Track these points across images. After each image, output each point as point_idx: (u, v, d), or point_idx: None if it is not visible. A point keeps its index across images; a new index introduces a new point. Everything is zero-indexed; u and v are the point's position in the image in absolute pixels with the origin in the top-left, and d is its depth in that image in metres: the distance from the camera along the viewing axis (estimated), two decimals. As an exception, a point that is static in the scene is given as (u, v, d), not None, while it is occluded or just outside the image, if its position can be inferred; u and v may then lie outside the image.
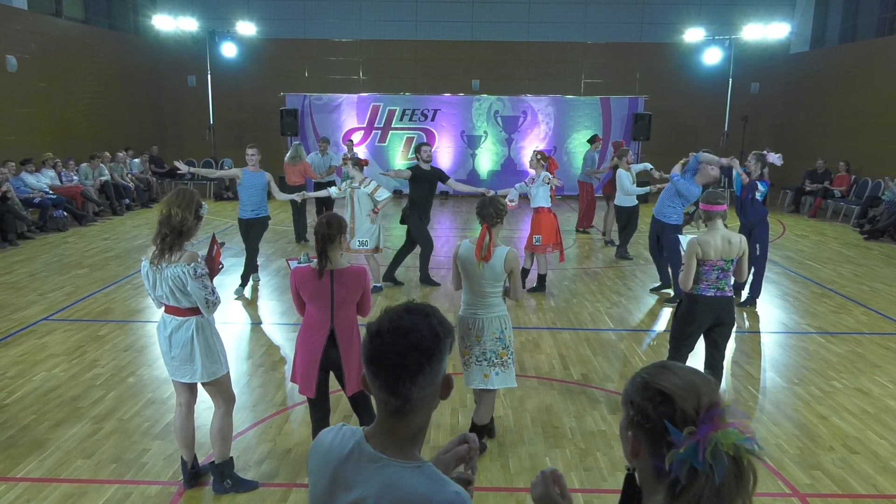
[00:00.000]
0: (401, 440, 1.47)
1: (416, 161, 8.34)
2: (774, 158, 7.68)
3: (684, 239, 4.88)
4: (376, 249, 8.04)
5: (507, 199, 7.96)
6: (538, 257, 8.22)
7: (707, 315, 4.67)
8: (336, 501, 1.50)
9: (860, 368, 6.02)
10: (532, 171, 8.23)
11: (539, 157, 8.12)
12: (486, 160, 17.35)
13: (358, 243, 7.91)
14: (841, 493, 4.06)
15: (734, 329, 6.59)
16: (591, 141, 12.88)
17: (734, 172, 7.80)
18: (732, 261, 4.63)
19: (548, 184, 8.00)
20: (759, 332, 7.13)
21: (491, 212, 4.23)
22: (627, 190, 9.68)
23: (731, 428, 1.23)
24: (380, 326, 1.45)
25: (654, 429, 1.29)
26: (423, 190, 8.27)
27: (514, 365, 4.43)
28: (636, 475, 1.38)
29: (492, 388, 4.30)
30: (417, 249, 8.57)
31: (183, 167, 8.02)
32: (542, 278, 8.29)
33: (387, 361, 1.41)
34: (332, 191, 8.41)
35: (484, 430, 4.46)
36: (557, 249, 8.17)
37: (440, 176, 8.32)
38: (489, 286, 4.23)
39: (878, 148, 13.99)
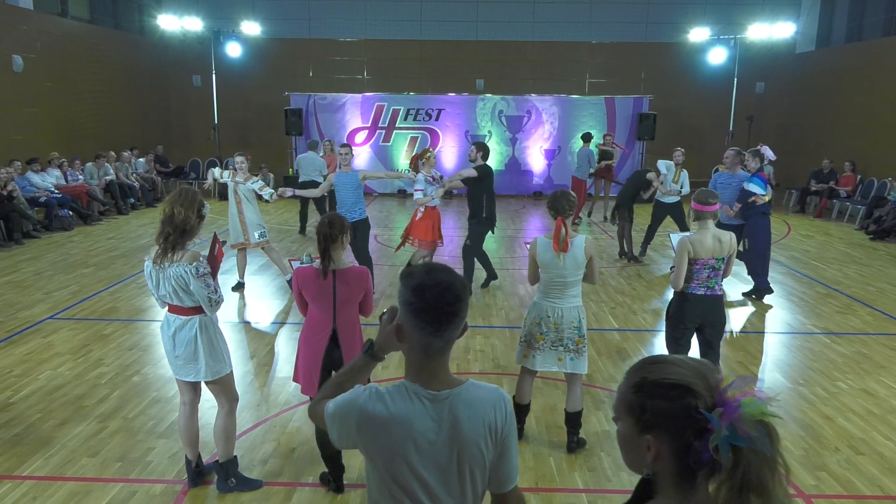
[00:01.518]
0: (444, 372, 1.77)
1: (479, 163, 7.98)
2: (769, 153, 7.76)
3: (676, 237, 4.89)
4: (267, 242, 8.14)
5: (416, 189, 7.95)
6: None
7: (697, 313, 4.66)
8: (419, 451, 1.72)
9: (866, 369, 5.99)
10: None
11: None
12: (491, 160, 17.26)
13: (258, 235, 8.00)
14: (846, 495, 4.05)
15: (738, 330, 6.56)
16: (586, 139, 13.02)
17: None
18: (723, 259, 4.63)
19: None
20: (763, 333, 7.10)
21: (564, 204, 4.36)
22: (669, 189, 9.64)
23: (748, 397, 1.23)
24: (423, 282, 1.70)
25: (677, 424, 1.26)
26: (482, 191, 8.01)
27: (587, 352, 4.54)
28: (654, 479, 1.34)
29: (565, 371, 4.43)
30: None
31: (289, 192, 8.10)
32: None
33: (440, 311, 1.69)
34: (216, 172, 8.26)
35: (578, 417, 4.53)
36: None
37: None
38: (571, 275, 4.35)
39: (883, 148, 13.93)
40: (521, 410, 4.62)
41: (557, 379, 5.66)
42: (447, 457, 1.74)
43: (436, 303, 1.68)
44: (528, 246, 4.52)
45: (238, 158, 8.02)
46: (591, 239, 4.42)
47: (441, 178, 8.25)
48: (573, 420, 4.51)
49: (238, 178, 7.90)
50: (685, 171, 9.68)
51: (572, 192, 4.55)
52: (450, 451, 1.74)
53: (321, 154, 12.37)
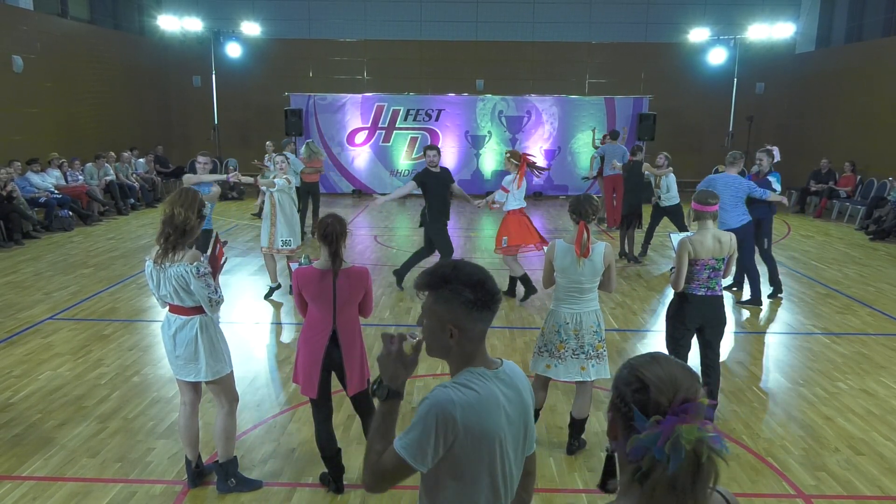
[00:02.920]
0: (486, 352, 1.93)
1: (424, 165, 7.99)
2: (777, 152, 7.81)
3: (676, 238, 4.87)
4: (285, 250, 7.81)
5: (491, 200, 7.96)
6: (507, 259, 7.88)
7: (697, 314, 4.66)
8: (509, 425, 1.86)
9: (865, 369, 5.99)
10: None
11: (509, 156, 7.86)
12: (491, 160, 17.34)
13: (281, 242, 7.70)
14: (846, 495, 4.05)
15: (739, 330, 6.56)
16: (615, 137, 12.75)
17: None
18: (723, 260, 4.63)
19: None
20: (763, 333, 7.11)
21: (588, 209, 4.30)
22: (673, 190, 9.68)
23: (699, 425, 1.24)
24: (480, 278, 1.84)
25: (628, 414, 1.32)
26: (439, 192, 7.93)
27: (607, 356, 4.49)
28: (615, 456, 1.42)
29: (589, 379, 4.36)
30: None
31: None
32: (512, 281, 7.99)
33: (496, 296, 1.88)
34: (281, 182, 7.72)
35: (583, 423, 4.50)
36: (529, 249, 7.97)
37: (449, 178, 8.03)
38: (589, 281, 4.30)
39: (883, 148, 13.93)
40: (577, 424, 4.54)
41: (557, 379, 5.65)
42: (520, 427, 1.91)
43: (493, 290, 1.86)
44: (546, 249, 4.44)
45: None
46: (610, 247, 4.39)
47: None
48: (578, 426, 4.50)
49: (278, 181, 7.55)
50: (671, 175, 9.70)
51: (595, 196, 4.52)
52: (522, 422, 1.91)
53: (301, 156, 11.70)
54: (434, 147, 7.98)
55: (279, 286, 7.99)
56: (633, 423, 1.29)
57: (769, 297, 8.09)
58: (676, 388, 1.30)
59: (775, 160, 7.82)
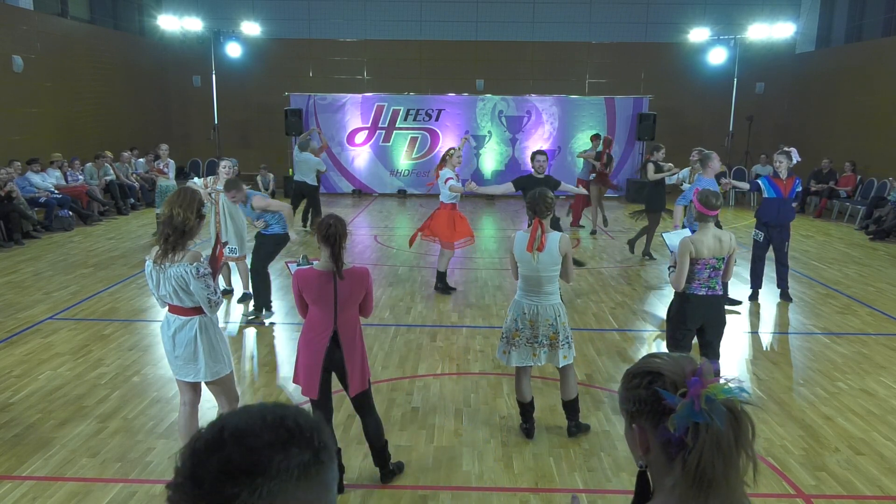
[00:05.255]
0: None
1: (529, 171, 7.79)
2: (795, 154, 7.81)
3: (673, 238, 4.85)
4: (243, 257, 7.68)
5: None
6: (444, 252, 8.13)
7: (698, 314, 4.66)
8: None
9: (866, 369, 5.99)
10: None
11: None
12: (491, 160, 17.34)
13: (228, 250, 7.51)
14: (846, 495, 4.05)
15: (739, 330, 6.55)
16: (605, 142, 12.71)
17: (761, 175, 7.90)
18: (724, 259, 4.63)
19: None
20: (764, 333, 7.11)
21: (542, 206, 4.49)
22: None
23: (714, 381, 1.26)
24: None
25: (653, 408, 1.30)
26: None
27: (572, 346, 4.62)
28: (648, 472, 1.38)
29: (539, 364, 4.56)
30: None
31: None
32: (441, 275, 8.23)
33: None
34: (198, 181, 7.78)
35: (574, 404, 4.66)
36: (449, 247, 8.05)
37: (554, 183, 7.68)
38: (546, 271, 4.46)
39: (883, 148, 13.93)
40: (526, 409, 4.70)
41: (558, 379, 5.65)
42: None
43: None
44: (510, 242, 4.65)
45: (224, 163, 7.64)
46: (567, 237, 4.54)
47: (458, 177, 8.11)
48: (570, 407, 4.67)
49: (219, 186, 7.43)
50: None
51: (550, 194, 4.60)
52: None
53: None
54: (543, 153, 7.72)
55: (232, 291, 8.01)
56: (664, 404, 1.27)
57: (750, 298, 8.07)
58: (683, 368, 1.31)
59: (794, 162, 7.75)
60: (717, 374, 1.29)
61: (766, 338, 6.96)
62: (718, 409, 1.22)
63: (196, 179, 8.06)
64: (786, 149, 7.87)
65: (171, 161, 11.48)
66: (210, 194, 7.44)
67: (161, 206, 9.67)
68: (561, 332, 4.52)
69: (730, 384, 1.26)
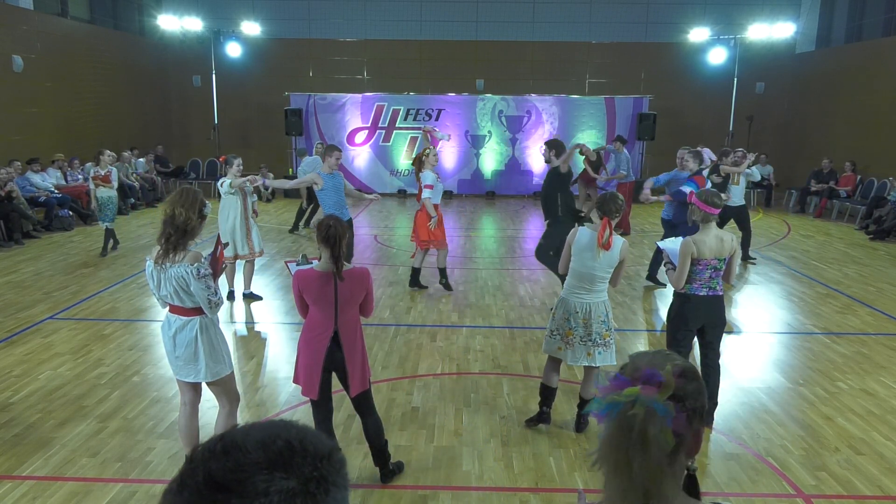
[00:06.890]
0: None
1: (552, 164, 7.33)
2: (707, 154, 7.94)
3: (670, 245, 4.83)
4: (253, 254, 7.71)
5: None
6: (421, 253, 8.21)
7: (699, 314, 4.66)
8: None
9: (866, 369, 5.99)
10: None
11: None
12: (491, 160, 17.34)
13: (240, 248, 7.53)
14: (846, 495, 4.05)
15: (739, 330, 6.56)
16: (623, 141, 12.59)
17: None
18: (725, 259, 4.63)
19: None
20: (764, 333, 7.11)
21: (612, 207, 4.58)
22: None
23: (644, 389, 1.29)
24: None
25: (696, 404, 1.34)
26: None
27: (614, 345, 4.72)
28: (696, 476, 1.39)
29: (595, 365, 4.61)
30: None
31: (259, 180, 7.71)
32: (415, 272, 8.32)
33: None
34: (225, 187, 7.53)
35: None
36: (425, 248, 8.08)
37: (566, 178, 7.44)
38: (602, 271, 4.58)
39: (883, 148, 13.93)
40: (549, 394, 4.79)
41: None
42: None
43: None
44: (569, 235, 4.72)
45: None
46: (628, 244, 4.65)
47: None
48: (585, 406, 4.73)
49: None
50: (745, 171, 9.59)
51: (620, 196, 4.70)
52: None
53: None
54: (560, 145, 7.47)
55: (233, 292, 7.87)
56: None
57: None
58: (643, 364, 1.35)
59: (705, 164, 7.90)
60: (709, 422, 1.33)
61: (766, 338, 6.96)
62: (611, 411, 1.29)
63: (231, 180, 7.49)
64: (696, 149, 8.04)
65: (114, 169, 10.10)
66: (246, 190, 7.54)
67: (104, 220, 9.72)
68: (612, 329, 4.67)
69: (649, 399, 1.26)
